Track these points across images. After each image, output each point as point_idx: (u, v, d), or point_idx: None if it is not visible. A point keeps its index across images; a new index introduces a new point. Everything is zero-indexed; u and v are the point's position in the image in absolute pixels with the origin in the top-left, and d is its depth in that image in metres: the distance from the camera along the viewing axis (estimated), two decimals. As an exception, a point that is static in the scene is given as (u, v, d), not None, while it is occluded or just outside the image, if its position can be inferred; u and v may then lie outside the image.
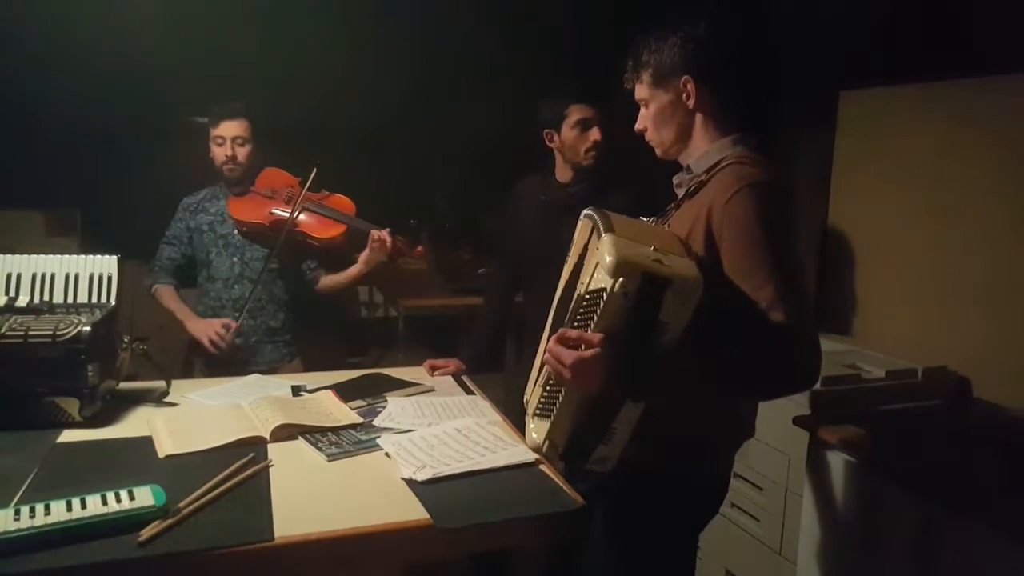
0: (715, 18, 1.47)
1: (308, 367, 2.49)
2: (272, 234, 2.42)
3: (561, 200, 2.18)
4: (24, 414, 1.60)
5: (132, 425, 1.69)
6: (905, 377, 2.23)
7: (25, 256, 1.90)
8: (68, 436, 1.59)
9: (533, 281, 2.27)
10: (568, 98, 2.16)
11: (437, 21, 3.88)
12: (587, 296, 1.26)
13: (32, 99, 3.39)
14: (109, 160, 3.64)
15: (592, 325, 1.23)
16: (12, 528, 1.13)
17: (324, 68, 3.77)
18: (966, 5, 2.35)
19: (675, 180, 1.53)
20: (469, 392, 2.04)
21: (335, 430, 1.67)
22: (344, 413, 1.77)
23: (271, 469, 1.46)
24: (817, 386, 2.06)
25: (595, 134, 2.13)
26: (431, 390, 2.02)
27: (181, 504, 1.26)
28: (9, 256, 1.89)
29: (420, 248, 2.55)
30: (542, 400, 1.39)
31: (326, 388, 1.95)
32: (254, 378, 2.08)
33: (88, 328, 1.61)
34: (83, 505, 1.20)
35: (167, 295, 2.46)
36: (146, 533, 1.17)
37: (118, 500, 1.22)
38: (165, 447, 1.53)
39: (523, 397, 1.59)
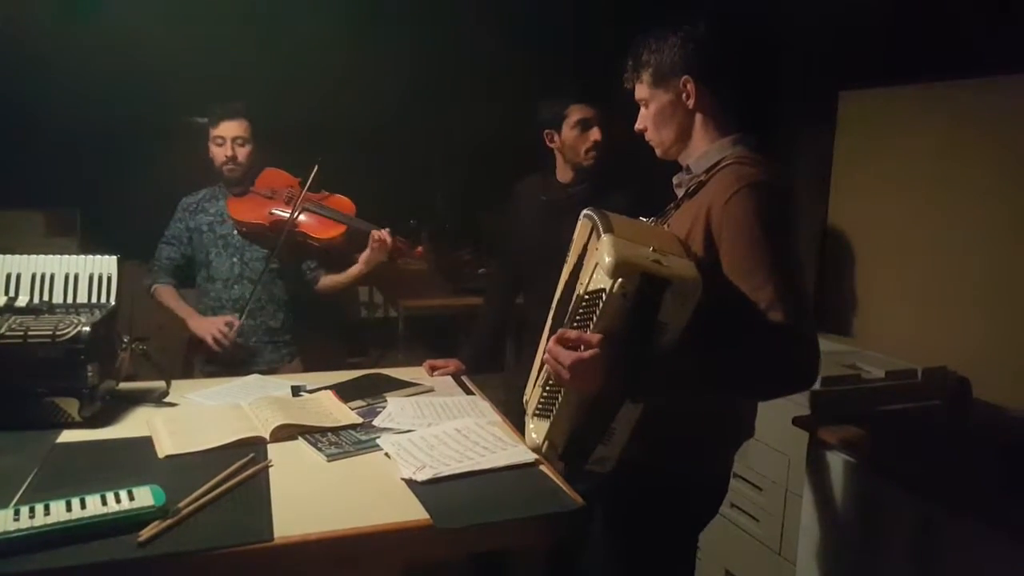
0: (715, 18, 1.47)
1: (308, 367, 2.49)
2: (272, 235, 2.41)
3: (562, 200, 2.18)
4: (24, 414, 1.60)
5: (132, 425, 1.69)
6: (905, 377, 2.23)
7: (25, 256, 1.90)
8: (68, 436, 1.59)
9: (533, 281, 2.27)
10: (568, 98, 2.16)
11: (437, 21, 3.88)
12: (586, 296, 1.26)
13: (32, 99, 3.38)
14: (109, 160, 3.64)
15: (591, 325, 1.23)
16: (12, 528, 1.13)
17: (324, 68, 3.77)
18: (966, 5, 2.35)
19: (675, 180, 1.53)
20: (469, 392, 2.04)
21: (335, 430, 1.67)
22: (344, 413, 1.77)
23: (271, 469, 1.46)
24: (817, 386, 2.07)
25: (595, 134, 2.13)
26: (431, 390, 2.02)
27: (181, 504, 1.26)
28: (9, 256, 1.89)
29: (420, 248, 2.55)
30: (541, 400, 1.39)
31: (326, 388, 1.95)
32: (254, 378, 2.08)
33: (88, 328, 1.61)
34: (83, 505, 1.20)
35: (167, 294, 2.46)
36: (146, 533, 1.17)
37: (118, 500, 1.22)
38: (165, 447, 1.53)
39: (523, 397, 1.59)
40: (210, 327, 2.33)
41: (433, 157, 4.52)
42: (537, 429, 1.39)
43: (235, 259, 2.46)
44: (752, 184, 1.31)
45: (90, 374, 1.62)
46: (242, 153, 2.43)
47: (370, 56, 3.78)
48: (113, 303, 1.87)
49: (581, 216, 1.48)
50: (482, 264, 4.26)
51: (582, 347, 1.22)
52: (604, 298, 1.19)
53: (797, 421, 2.08)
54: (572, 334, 1.25)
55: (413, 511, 1.32)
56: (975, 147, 2.28)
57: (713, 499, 1.57)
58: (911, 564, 1.77)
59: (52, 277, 1.89)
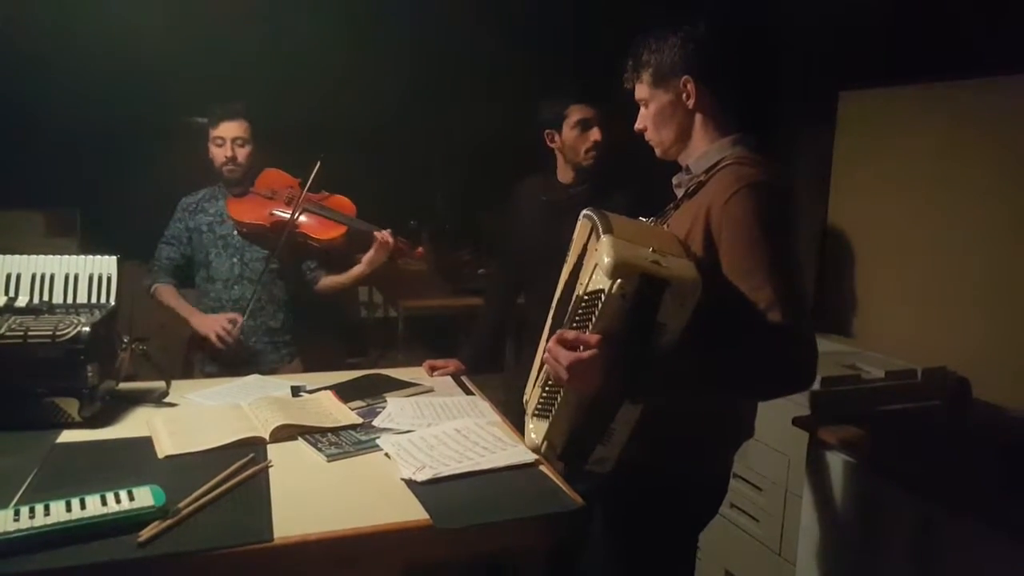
0: (715, 18, 1.47)
1: (308, 367, 2.49)
2: (272, 235, 2.41)
3: (562, 200, 2.18)
4: (23, 414, 1.60)
5: (132, 425, 1.69)
6: (905, 377, 2.23)
7: (25, 256, 1.90)
8: (67, 436, 1.59)
9: (534, 281, 2.27)
10: (568, 98, 2.16)
11: (437, 21, 3.87)
12: (586, 297, 1.26)
13: (32, 99, 3.38)
14: (109, 160, 3.64)
15: (590, 326, 1.23)
16: (12, 529, 1.13)
17: (324, 68, 3.77)
18: (966, 5, 2.35)
19: (674, 180, 1.53)
20: (469, 392, 2.04)
21: (335, 430, 1.67)
22: (344, 414, 1.77)
23: (271, 469, 1.46)
24: (817, 386, 2.07)
25: (595, 134, 2.13)
26: (431, 390, 2.02)
27: (181, 504, 1.26)
28: (9, 256, 1.89)
29: (421, 249, 2.55)
30: (541, 400, 1.39)
31: (326, 388, 1.95)
32: (254, 378, 2.08)
33: (87, 328, 1.61)
34: (83, 505, 1.20)
35: (168, 294, 2.45)
36: (146, 533, 1.17)
37: (118, 500, 1.22)
38: (165, 447, 1.53)
39: (522, 397, 1.59)
40: (213, 325, 2.33)
41: (433, 157, 4.52)
42: (536, 429, 1.39)
43: (235, 259, 2.46)
44: (752, 184, 1.31)
45: (90, 374, 1.62)
46: (242, 154, 2.43)
47: (370, 56, 3.78)
48: (113, 303, 1.87)
49: (581, 216, 1.48)
50: (482, 264, 4.26)
51: (581, 347, 1.22)
52: (603, 299, 1.19)
53: (797, 421, 2.08)
54: (571, 334, 1.25)
55: (413, 511, 1.32)
56: (975, 147, 2.28)
57: (713, 499, 1.57)
58: (911, 564, 1.77)
59: (52, 277, 1.89)
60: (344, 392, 1.92)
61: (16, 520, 1.14)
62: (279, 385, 2.01)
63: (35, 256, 1.90)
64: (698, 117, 1.47)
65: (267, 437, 1.60)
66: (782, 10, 3.03)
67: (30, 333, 1.58)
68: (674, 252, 1.25)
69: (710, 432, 1.47)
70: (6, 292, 1.83)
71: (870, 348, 2.49)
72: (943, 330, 2.36)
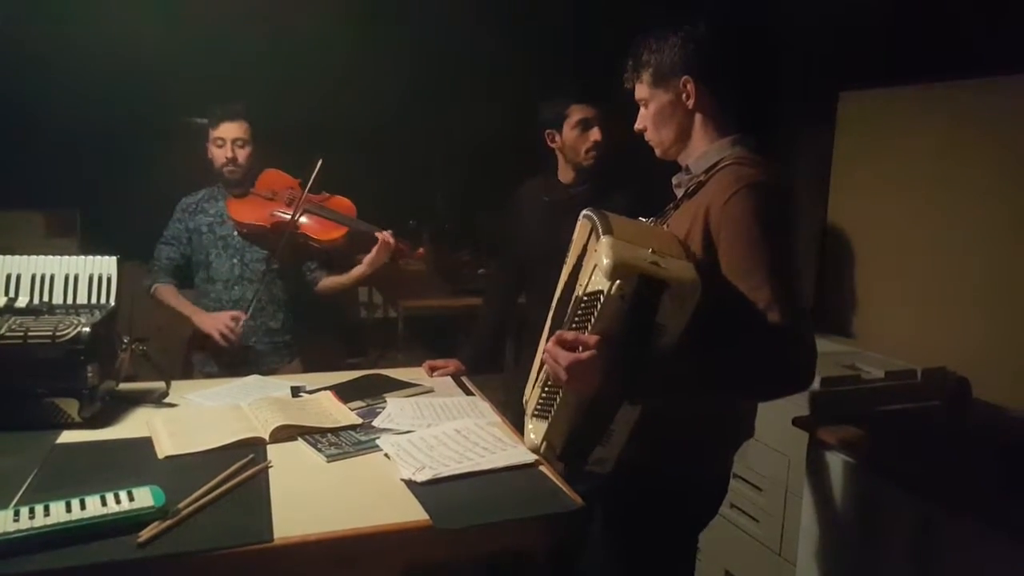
0: (715, 18, 1.47)
1: (307, 368, 2.49)
2: (273, 236, 2.41)
3: (563, 201, 2.18)
4: (23, 415, 1.60)
5: (131, 426, 1.69)
6: (904, 378, 2.23)
7: (24, 257, 1.90)
8: (67, 437, 1.59)
9: (535, 281, 2.27)
10: (569, 98, 2.16)
11: (437, 21, 3.88)
12: (585, 298, 1.26)
13: (32, 99, 3.38)
14: (109, 160, 3.65)
15: (590, 327, 1.23)
16: (11, 529, 1.13)
17: (324, 68, 3.77)
18: (966, 5, 2.35)
19: (674, 180, 1.53)
20: (468, 393, 2.04)
21: (334, 431, 1.67)
22: (343, 414, 1.77)
23: (270, 470, 1.46)
24: (816, 387, 2.08)
25: (595, 134, 2.13)
26: (430, 391, 2.02)
27: (180, 505, 1.26)
28: (8, 257, 1.89)
29: (422, 249, 2.55)
30: (540, 401, 1.39)
31: (325, 389, 1.95)
32: (253, 379, 2.08)
33: (87, 329, 1.61)
34: (82, 506, 1.20)
35: (168, 293, 2.45)
36: (145, 534, 1.17)
37: (117, 501, 1.22)
38: (164, 448, 1.53)
39: (522, 398, 1.59)
40: (216, 323, 2.33)
41: (433, 157, 4.52)
42: (536, 430, 1.39)
43: (235, 260, 2.46)
44: (751, 185, 1.31)
45: (90, 375, 1.62)
46: (242, 155, 2.43)
47: (370, 56, 3.79)
48: (113, 304, 1.87)
49: (580, 216, 1.48)
50: (481, 265, 4.26)
51: (580, 348, 1.22)
52: (602, 300, 1.19)
53: (797, 421, 2.08)
54: (570, 335, 1.25)
55: (413, 512, 1.32)
56: (975, 147, 2.28)
57: (713, 500, 1.57)
58: (911, 564, 1.77)
59: (52, 278, 1.89)
60: (344, 392, 1.92)
61: (16, 520, 1.14)
62: (279, 385, 2.01)
63: (35, 256, 1.90)
64: (698, 117, 1.47)
65: (267, 438, 1.60)
66: (782, 10, 3.03)
67: (30, 333, 1.58)
68: (673, 253, 1.25)
69: (710, 432, 1.47)
70: (6, 292, 1.83)
71: (870, 348, 2.49)
72: (943, 330, 2.36)
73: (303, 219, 2.42)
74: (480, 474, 1.46)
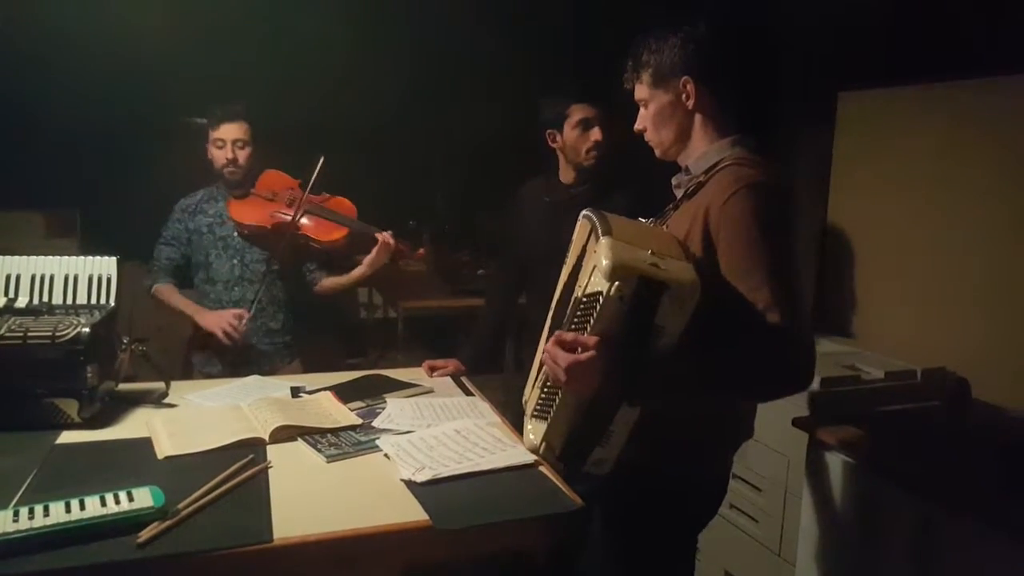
0: (715, 19, 1.47)
1: (307, 368, 2.49)
2: (274, 237, 2.41)
3: (564, 201, 2.18)
4: (23, 415, 1.60)
5: (131, 426, 1.69)
6: (904, 378, 2.23)
7: (24, 257, 1.90)
8: (67, 437, 1.59)
9: (536, 282, 2.27)
10: (570, 98, 2.16)
11: (437, 21, 3.88)
12: (584, 299, 1.26)
13: (32, 99, 3.39)
14: (109, 161, 3.65)
15: (589, 328, 1.23)
16: (11, 529, 1.13)
17: (324, 68, 3.77)
18: (966, 5, 2.35)
19: (674, 181, 1.53)
20: (468, 393, 2.04)
21: (334, 431, 1.67)
22: (343, 414, 1.77)
23: (270, 470, 1.46)
24: (816, 387, 2.08)
25: (596, 134, 2.13)
26: (430, 391, 2.02)
27: (180, 505, 1.26)
28: (8, 257, 1.89)
29: (422, 250, 2.56)
30: (540, 402, 1.39)
31: (325, 389, 1.95)
32: (253, 379, 2.08)
33: (87, 329, 1.61)
34: (82, 506, 1.20)
35: (169, 293, 2.45)
36: (145, 534, 1.17)
37: (117, 501, 1.22)
38: (164, 448, 1.53)
39: (522, 398, 1.59)
40: (220, 321, 2.33)
41: (433, 157, 4.52)
42: (535, 430, 1.39)
43: (235, 261, 2.46)
44: (750, 185, 1.31)
45: (89, 375, 1.62)
46: (242, 155, 2.43)
47: (370, 56, 3.78)
48: (113, 304, 1.87)
49: (580, 217, 1.48)
50: (481, 265, 4.26)
51: (579, 349, 1.22)
52: (601, 301, 1.19)
53: (796, 422, 2.08)
54: (569, 336, 1.24)
55: (412, 512, 1.32)
56: (975, 147, 2.28)
57: (712, 500, 1.57)
58: (911, 564, 1.77)
59: (52, 278, 1.89)
60: (344, 393, 1.92)
61: (15, 521, 1.14)
62: (279, 386, 2.01)
63: (35, 257, 1.90)
64: (697, 118, 1.47)
65: (267, 438, 1.60)
66: (782, 10, 3.03)
67: (30, 334, 1.58)
68: (673, 254, 1.25)
69: (709, 433, 1.47)
70: (6, 293, 1.83)
71: (870, 348, 2.49)
72: (943, 330, 2.36)
73: (304, 220, 2.42)
74: (480, 474, 1.46)
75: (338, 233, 2.43)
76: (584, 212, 1.44)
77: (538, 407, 1.39)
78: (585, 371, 1.21)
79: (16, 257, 1.89)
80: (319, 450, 1.56)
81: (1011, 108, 2.17)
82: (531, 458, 1.50)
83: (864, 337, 2.64)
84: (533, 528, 1.35)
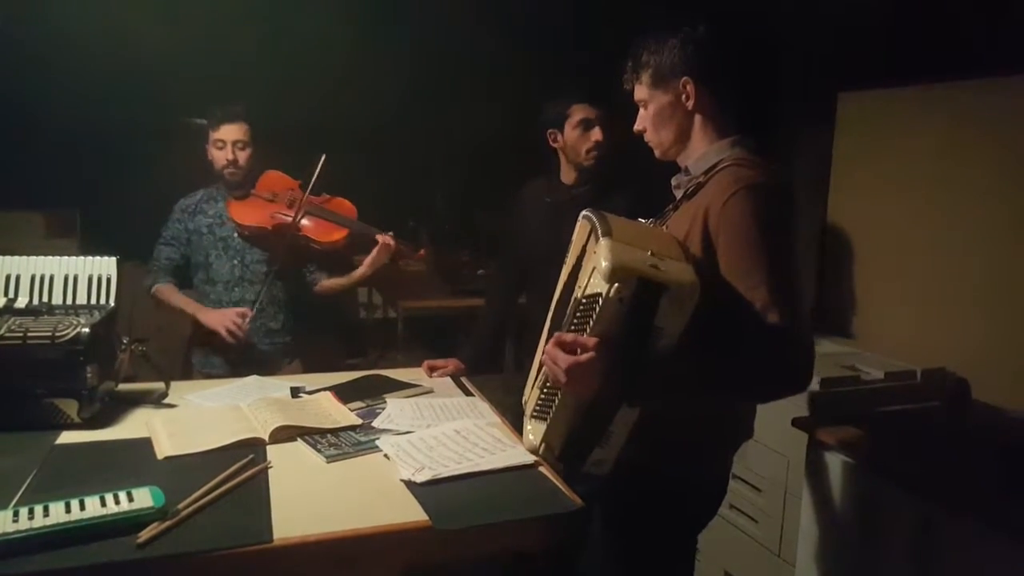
0: (715, 19, 1.47)
1: (307, 368, 2.49)
2: (274, 238, 2.41)
3: (565, 201, 2.18)
4: (23, 415, 1.60)
5: (131, 426, 1.69)
6: (904, 378, 2.23)
7: (24, 257, 1.90)
8: (67, 437, 1.59)
9: (537, 282, 2.27)
10: (571, 98, 2.16)
11: (437, 21, 3.88)
12: (584, 300, 1.26)
13: (32, 99, 3.39)
14: (109, 161, 3.64)
15: (588, 329, 1.23)
16: (11, 530, 1.13)
17: (324, 68, 3.77)
18: (966, 5, 2.35)
19: (673, 181, 1.53)
20: (468, 393, 2.04)
21: (334, 431, 1.67)
22: (343, 415, 1.77)
23: (270, 470, 1.46)
24: (816, 387, 2.08)
25: (596, 134, 2.13)
26: (430, 391, 2.02)
27: (180, 506, 1.26)
28: (8, 257, 1.89)
29: (423, 251, 2.56)
30: (539, 402, 1.39)
31: (325, 389, 1.95)
32: (253, 379, 2.08)
33: (87, 329, 1.61)
34: (82, 507, 1.20)
35: (170, 293, 2.45)
36: (145, 535, 1.17)
37: (117, 502, 1.22)
38: (164, 448, 1.53)
39: (522, 398, 1.59)
40: (223, 319, 2.33)
41: (433, 157, 4.52)
42: (534, 431, 1.39)
43: (236, 261, 2.46)
44: (750, 186, 1.31)
45: (89, 375, 1.62)
46: (243, 156, 2.43)
47: (370, 56, 3.78)
48: (112, 304, 1.87)
49: (580, 217, 1.48)
50: (481, 265, 4.26)
51: (579, 351, 1.22)
52: (601, 302, 1.19)
53: (796, 422, 2.08)
54: (569, 337, 1.24)
55: (412, 512, 1.32)
56: (975, 147, 2.28)
57: (712, 500, 1.57)
58: (910, 565, 1.77)
59: (51, 278, 1.89)
60: (344, 393, 1.92)
61: (15, 521, 1.14)
62: (278, 386, 2.01)
63: (35, 257, 1.90)
64: (697, 118, 1.47)
65: (266, 438, 1.60)
66: (782, 10, 3.03)
67: (29, 334, 1.58)
68: (672, 255, 1.25)
69: (709, 433, 1.47)
70: (5, 293, 1.83)
71: (869, 349, 2.49)
72: (943, 331, 2.36)
73: (304, 221, 2.42)
74: (480, 475, 1.46)
75: (338, 234, 2.43)
76: (584, 212, 1.44)
77: (537, 407, 1.39)
78: (585, 372, 1.21)
79: (16, 257, 1.89)
80: (319, 450, 1.56)
81: (1011, 108, 2.17)
82: (531, 458, 1.50)
83: (864, 337, 2.64)
84: (533, 528, 1.35)
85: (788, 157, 2.95)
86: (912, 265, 2.48)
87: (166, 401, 1.86)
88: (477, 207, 4.44)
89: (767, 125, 3.00)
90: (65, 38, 3.34)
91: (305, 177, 2.42)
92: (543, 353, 1.30)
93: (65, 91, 3.42)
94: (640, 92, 1.51)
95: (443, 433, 1.64)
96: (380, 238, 2.37)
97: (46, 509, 1.18)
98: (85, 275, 1.91)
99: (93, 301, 1.88)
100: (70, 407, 1.62)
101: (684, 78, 1.44)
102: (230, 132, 2.40)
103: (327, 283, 2.55)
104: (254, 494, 1.36)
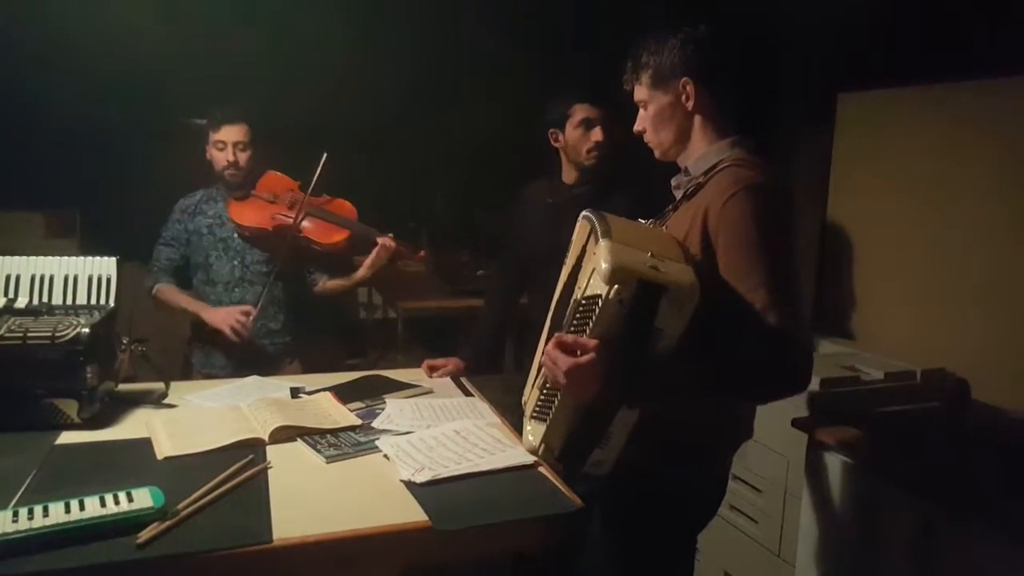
0: (715, 20, 1.47)
1: (307, 369, 2.48)
2: (275, 239, 2.41)
3: (566, 202, 2.18)
4: (23, 416, 1.60)
5: (131, 427, 1.69)
6: (904, 379, 2.23)
7: (24, 258, 1.90)
8: (67, 438, 1.59)
9: (538, 282, 2.27)
10: (573, 98, 2.16)
11: (437, 21, 3.88)
12: (583, 301, 1.26)
13: (32, 99, 3.38)
14: (109, 161, 3.64)
15: (588, 330, 1.22)
16: (11, 530, 1.13)
17: (324, 68, 3.77)
18: (966, 6, 2.35)
19: (673, 182, 1.53)
20: (468, 394, 2.04)
21: (334, 432, 1.67)
22: (343, 415, 1.77)
23: (270, 471, 1.46)
24: (816, 388, 2.08)
25: (597, 134, 2.13)
26: (430, 392, 2.02)
27: (180, 506, 1.26)
28: (8, 257, 1.89)
29: (423, 252, 2.55)
30: (539, 403, 1.39)
31: (325, 390, 1.95)
32: (253, 380, 2.08)
33: (87, 330, 1.61)
34: (81, 507, 1.20)
35: (172, 293, 2.44)
36: (145, 535, 1.18)
37: (116, 502, 1.22)
38: (164, 449, 1.53)
39: (521, 398, 1.59)
40: (227, 317, 2.32)
41: (433, 157, 4.52)
42: (534, 432, 1.39)
43: (236, 262, 2.45)
44: (749, 187, 1.31)
45: (89, 375, 1.62)
46: (243, 157, 2.42)
47: (370, 56, 3.79)
48: (112, 304, 1.87)
49: (580, 217, 1.47)
50: (481, 265, 4.26)
51: (579, 352, 1.22)
52: (601, 304, 1.19)
53: (796, 423, 2.08)
54: (569, 338, 1.24)
55: (412, 513, 1.32)
56: (975, 148, 2.28)
57: (712, 501, 1.57)
58: (910, 565, 1.77)
59: (51, 278, 1.89)
60: (343, 393, 1.92)
61: (15, 521, 1.14)
62: (278, 386, 2.01)
63: (34, 257, 1.90)
64: (697, 119, 1.47)
65: (266, 438, 1.60)
66: (782, 11, 3.03)
67: (29, 334, 1.58)
68: (672, 256, 1.25)
69: (709, 434, 1.47)
70: (5, 293, 1.83)
71: (869, 349, 2.49)
72: (942, 331, 2.36)
73: (305, 222, 2.42)
74: (479, 475, 1.46)
75: (339, 236, 2.43)
76: (584, 213, 1.44)
77: (537, 408, 1.39)
78: (585, 374, 1.21)
79: (16, 257, 1.89)
80: (319, 451, 1.56)
81: (1011, 108, 2.17)
82: (530, 459, 1.50)
83: (864, 338, 2.64)
84: (532, 529, 1.35)
85: (788, 157, 2.95)
86: (912, 265, 2.48)
87: (166, 401, 1.86)
88: (477, 207, 4.44)
89: (767, 125, 3.00)
90: (65, 38, 3.34)
91: (305, 178, 2.41)
92: (543, 354, 1.30)
93: (65, 91, 3.42)
94: (640, 93, 1.51)
95: (443, 433, 1.64)
96: (380, 240, 2.37)
97: (46, 509, 1.18)
98: (85, 275, 1.91)
99: (93, 301, 1.88)
100: (70, 407, 1.62)
101: (684, 79, 1.44)
102: (230, 133, 2.39)
103: (327, 284, 2.54)
104: (254, 494, 1.36)
